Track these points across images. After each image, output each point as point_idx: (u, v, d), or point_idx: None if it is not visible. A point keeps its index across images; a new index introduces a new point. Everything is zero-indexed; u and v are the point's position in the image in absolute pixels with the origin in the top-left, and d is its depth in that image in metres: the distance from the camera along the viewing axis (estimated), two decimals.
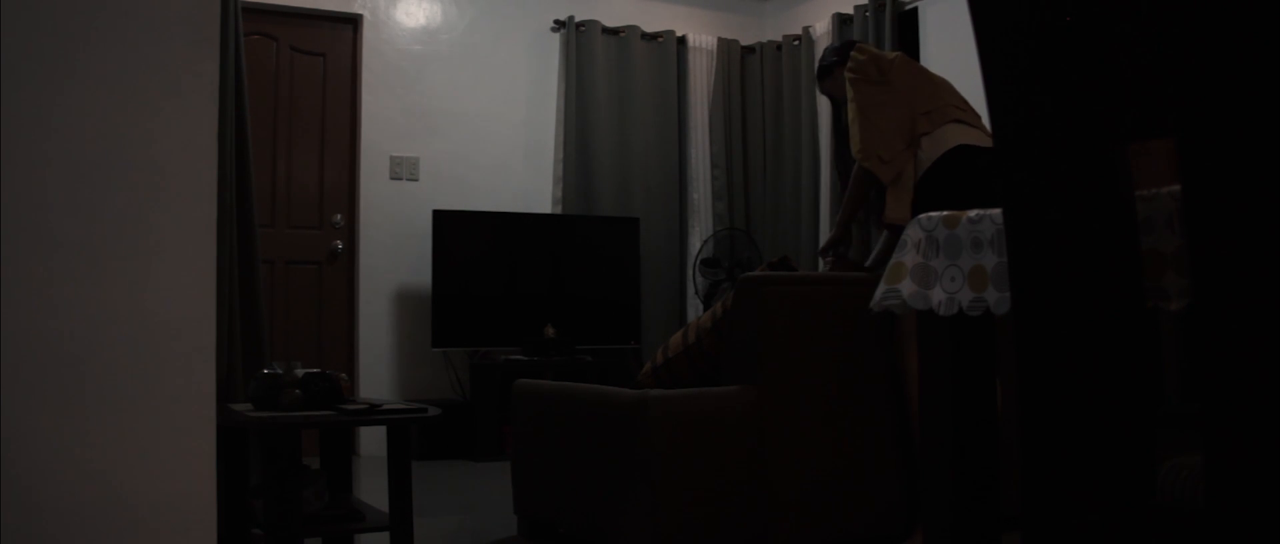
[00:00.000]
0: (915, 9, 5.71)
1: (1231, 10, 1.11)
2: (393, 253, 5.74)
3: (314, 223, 5.71)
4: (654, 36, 6.37)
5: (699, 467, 2.72)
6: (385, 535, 2.96)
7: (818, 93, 4.43)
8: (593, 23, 6.17)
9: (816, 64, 3.92)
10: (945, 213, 1.74)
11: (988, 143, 3.22)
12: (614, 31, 6.25)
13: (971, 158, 3.18)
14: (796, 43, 6.34)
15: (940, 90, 3.37)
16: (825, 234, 6.00)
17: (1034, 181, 1.36)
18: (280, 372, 2.88)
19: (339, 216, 5.73)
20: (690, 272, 6.25)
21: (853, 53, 3.43)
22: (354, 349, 5.70)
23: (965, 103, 3.37)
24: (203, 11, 1.60)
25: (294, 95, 5.67)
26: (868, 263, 3.61)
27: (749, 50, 6.68)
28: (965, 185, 3.12)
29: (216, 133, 1.61)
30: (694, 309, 6.30)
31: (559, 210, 6.02)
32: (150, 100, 1.56)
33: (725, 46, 6.52)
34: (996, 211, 1.60)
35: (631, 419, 2.73)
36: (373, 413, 2.87)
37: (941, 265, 1.72)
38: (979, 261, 1.66)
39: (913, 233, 1.79)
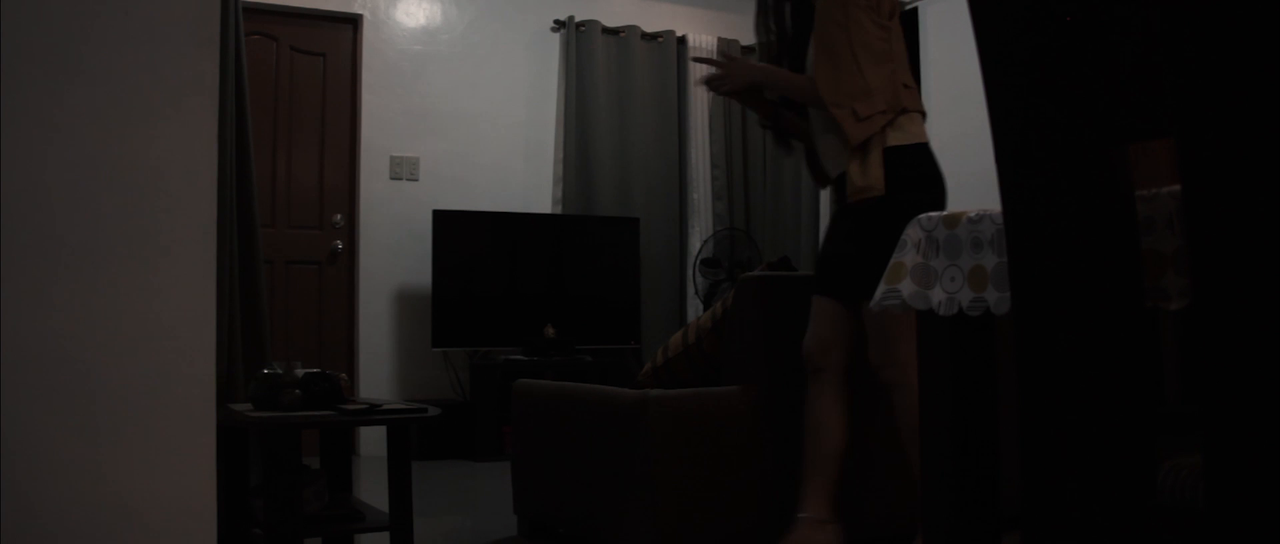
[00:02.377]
0: (915, 9, 5.71)
1: (1231, 10, 1.11)
2: (393, 253, 5.75)
3: (314, 223, 5.71)
4: (654, 36, 6.37)
5: (699, 467, 2.72)
6: (385, 535, 2.95)
7: None
8: (593, 23, 6.17)
9: None
10: (945, 213, 1.74)
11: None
12: (614, 31, 6.25)
13: (933, 160, 2.85)
14: None
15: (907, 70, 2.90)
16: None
17: (1034, 181, 1.36)
18: (280, 372, 2.88)
19: (339, 216, 5.73)
20: (690, 272, 6.25)
21: None
22: (354, 349, 5.70)
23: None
24: (203, 11, 1.60)
25: (294, 95, 5.67)
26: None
27: (749, 50, 6.67)
28: (932, 186, 2.81)
29: (217, 133, 1.61)
30: (694, 309, 6.30)
31: (559, 210, 6.02)
32: (150, 100, 1.56)
33: (725, 47, 6.52)
34: (996, 211, 1.60)
35: (631, 419, 2.73)
36: (373, 413, 2.87)
37: (941, 265, 1.72)
38: (979, 262, 1.66)
39: (913, 233, 1.79)
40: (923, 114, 2.84)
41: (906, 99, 2.78)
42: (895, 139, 2.73)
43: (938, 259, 1.73)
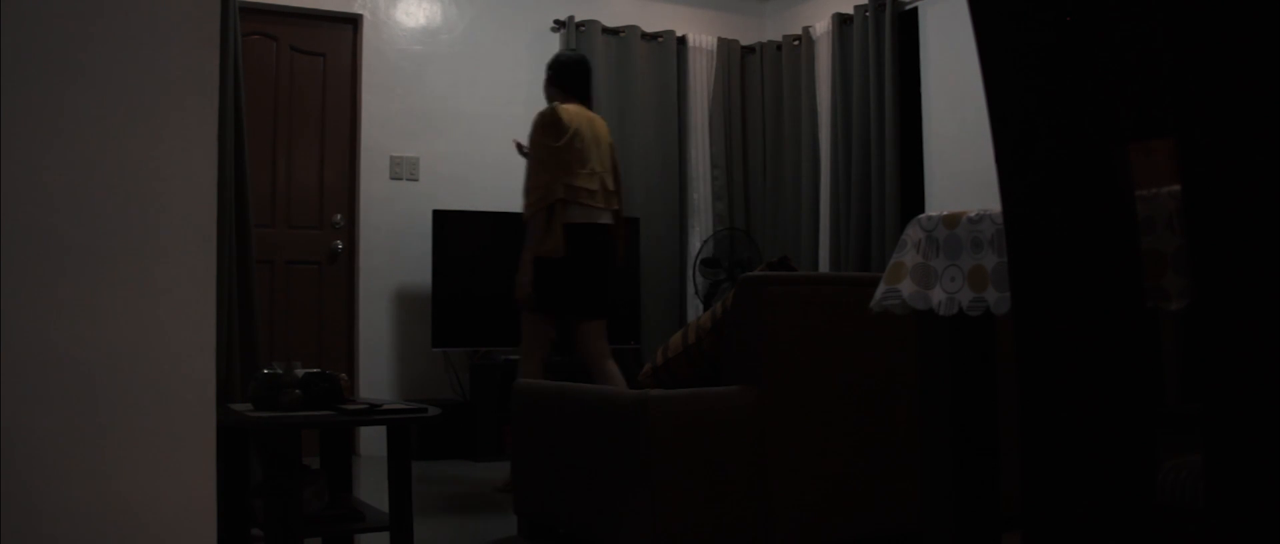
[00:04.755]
0: (915, 9, 5.71)
1: (1231, 10, 1.11)
2: (393, 253, 5.74)
3: (314, 223, 5.71)
4: (654, 36, 6.37)
5: (699, 467, 2.72)
6: (385, 535, 2.95)
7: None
8: (593, 23, 6.17)
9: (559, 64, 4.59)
10: (945, 213, 1.74)
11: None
12: (614, 31, 6.25)
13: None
14: (796, 43, 6.34)
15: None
16: (825, 234, 6.00)
17: (1034, 181, 1.36)
18: (280, 372, 2.88)
19: (339, 216, 5.73)
20: (690, 272, 6.25)
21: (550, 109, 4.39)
22: (354, 349, 5.70)
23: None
24: (203, 11, 1.59)
25: (294, 95, 5.67)
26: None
27: (749, 50, 6.68)
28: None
29: (217, 133, 1.61)
30: (694, 309, 6.30)
31: None
32: (150, 100, 1.56)
33: (725, 46, 6.52)
34: (996, 211, 1.60)
35: (631, 419, 2.73)
36: (373, 413, 2.87)
37: (941, 265, 1.72)
38: (979, 262, 1.66)
39: (912, 233, 1.79)
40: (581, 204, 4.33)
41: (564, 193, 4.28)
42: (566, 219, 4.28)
43: (938, 259, 1.73)
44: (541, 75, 6.14)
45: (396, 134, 5.80)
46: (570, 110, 4.41)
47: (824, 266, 5.99)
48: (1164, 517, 1.37)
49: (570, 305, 4.36)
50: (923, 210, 5.19)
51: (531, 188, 4.32)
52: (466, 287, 5.59)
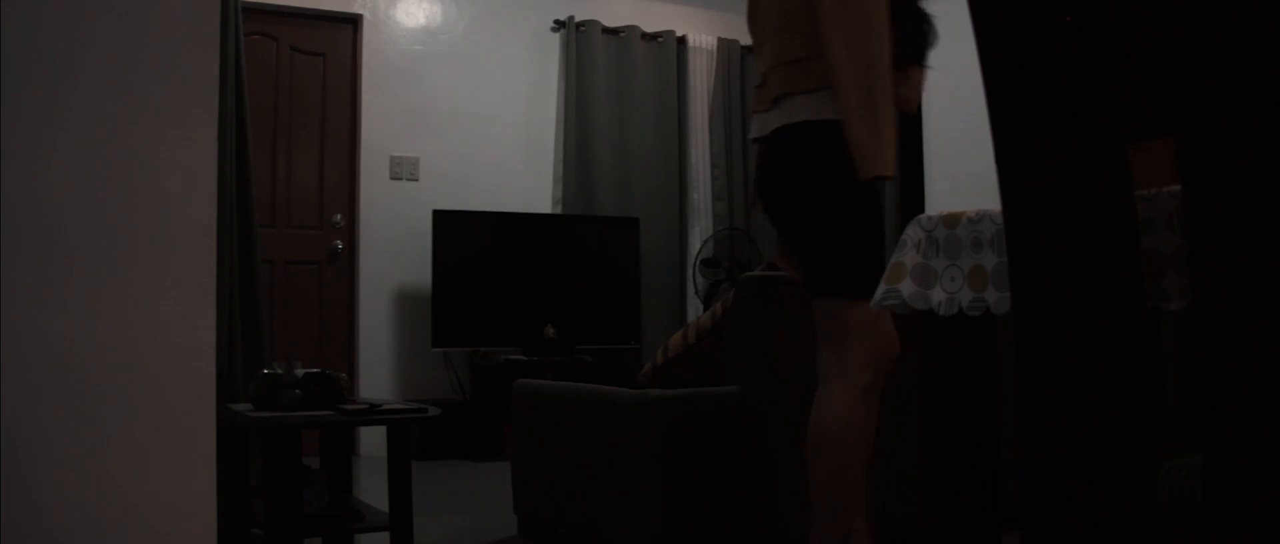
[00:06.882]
0: None
1: (1231, 10, 1.11)
2: (393, 253, 5.74)
3: (314, 223, 5.71)
4: (654, 36, 6.37)
5: (699, 467, 2.72)
6: (385, 535, 2.95)
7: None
8: (593, 23, 6.16)
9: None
10: (945, 213, 1.74)
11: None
12: (614, 31, 6.25)
13: None
14: None
15: None
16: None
17: (1034, 181, 1.36)
18: (280, 372, 2.88)
19: (339, 216, 5.73)
20: (690, 272, 6.25)
21: None
22: (354, 349, 5.70)
23: None
24: (203, 11, 1.59)
25: (294, 95, 5.67)
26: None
27: (749, 50, 6.67)
28: None
29: (216, 133, 1.61)
30: (694, 309, 6.30)
31: (559, 210, 6.02)
32: (150, 100, 1.56)
33: (725, 46, 6.52)
34: (996, 211, 1.60)
35: (631, 419, 2.73)
36: (373, 413, 2.87)
37: (941, 265, 1.72)
38: (979, 262, 1.66)
39: (912, 233, 1.79)
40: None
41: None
42: None
43: (938, 259, 1.73)
44: (540, 75, 6.17)
45: (396, 134, 5.80)
46: None
47: None
48: (1164, 517, 1.37)
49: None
50: (923, 210, 5.19)
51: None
52: (466, 286, 5.59)
